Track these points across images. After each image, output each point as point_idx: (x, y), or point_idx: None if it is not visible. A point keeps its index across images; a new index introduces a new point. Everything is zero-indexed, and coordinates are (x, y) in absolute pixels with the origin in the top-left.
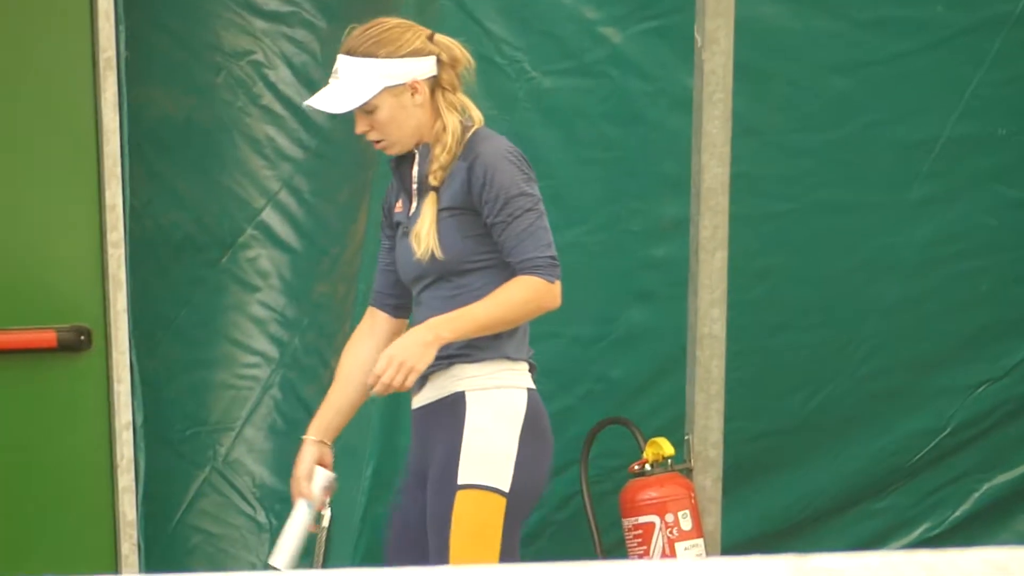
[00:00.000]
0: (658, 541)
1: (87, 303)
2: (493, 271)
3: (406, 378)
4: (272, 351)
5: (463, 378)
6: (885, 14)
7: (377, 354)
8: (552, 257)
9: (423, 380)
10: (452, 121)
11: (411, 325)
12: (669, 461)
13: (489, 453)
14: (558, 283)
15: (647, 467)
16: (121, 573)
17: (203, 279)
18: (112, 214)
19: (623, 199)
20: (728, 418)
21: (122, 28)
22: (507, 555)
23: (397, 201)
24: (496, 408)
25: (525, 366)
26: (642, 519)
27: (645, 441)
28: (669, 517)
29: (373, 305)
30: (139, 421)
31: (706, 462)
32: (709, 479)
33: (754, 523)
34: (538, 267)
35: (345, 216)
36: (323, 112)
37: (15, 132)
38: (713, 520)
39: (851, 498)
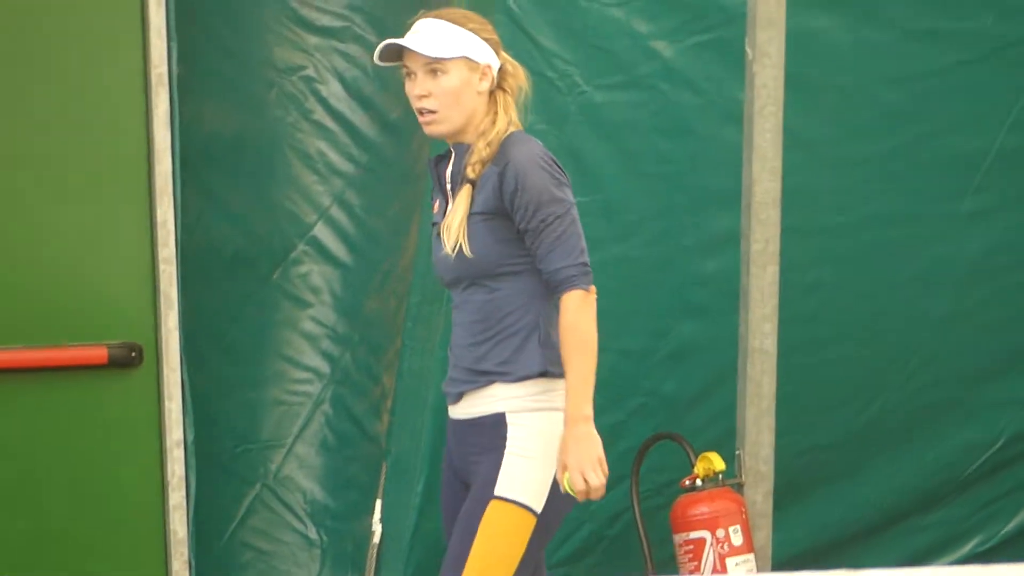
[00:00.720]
0: (709, 556)
1: (138, 320)
2: (526, 276)
3: (602, 469)
4: (323, 367)
5: (504, 399)
6: (936, 26)
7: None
8: (584, 264)
9: (459, 395)
10: (503, 120)
11: (453, 327)
12: (720, 476)
13: (528, 475)
14: (593, 288)
15: (698, 482)
16: None
17: (254, 295)
18: (163, 230)
19: (674, 213)
20: (779, 433)
21: (174, 44)
22: (523, 570)
23: (435, 202)
24: (536, 432)
25: (562, 383)
26: (693, 534)
27: (696, 456)
28: (720, 532)
29: None
30: (190, 438)
31: (757, 477)
32: (760, 494)
33: (805, 538)
34: (573, 279)
35: (396, 231)
36: (375, 126)
37: (67, 148)
38: (764, 535)
39: (902, 512)
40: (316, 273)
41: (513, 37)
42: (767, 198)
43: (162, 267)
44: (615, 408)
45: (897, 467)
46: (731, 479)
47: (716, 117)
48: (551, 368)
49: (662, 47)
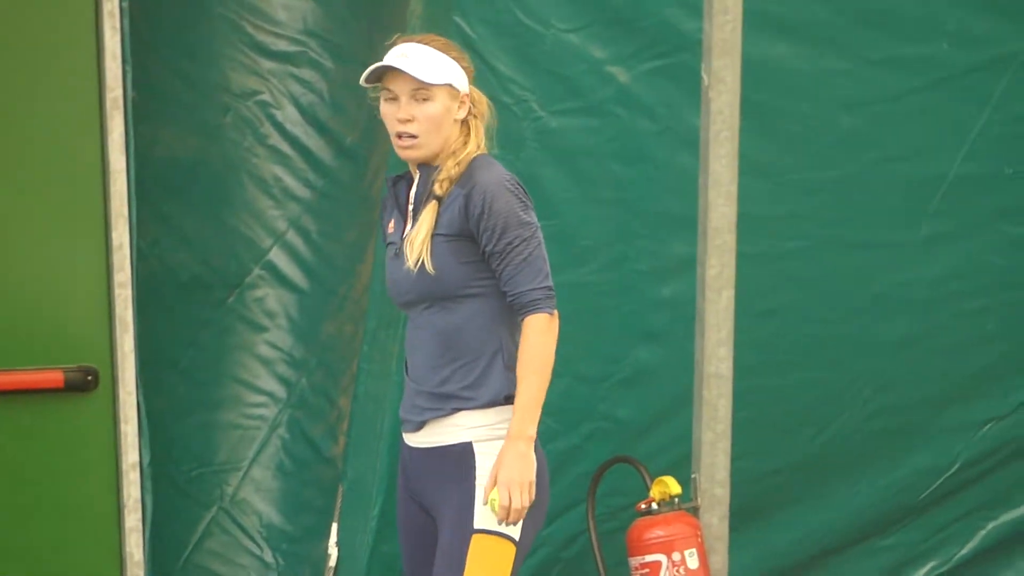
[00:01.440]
0: None
1: (94, 343)
2: (489, 299)
3: (529, 493)
4: (280, 391)
5: (470, 427)
6: (892, 53)
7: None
8: (549, 287)
9: (421, 423)
10: (475, 143)
11: (409, 351)
12: (676, 500)
13: None
14: (557, 312)
15: (654, 506)
16: None
17: (210, 319)
18: (119, 254)
19: (630, 238)
20: (735, 456)
21: (128, 68)
22: None
23: (390, 221)
24: None
25: None
26: (649, 558)
27: (652, 480)
28: (676, 556)
29: None
30: (146, 461)
31: (712, 500)
32: (716, 517)
33: (761, 561)
34: (538, 302)
35: (352, 256)
36: (330, 151)
37: (22, 172)
38: (720, 558)
39: (858, 535)
40: (272, 297)
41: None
42: (723, 223)
43: (118, 291)
44: (571, 432)
45: (853, 491)
46: (687, 503)
47: (672, 143)
48: (512, 390)
49: (618, 72)
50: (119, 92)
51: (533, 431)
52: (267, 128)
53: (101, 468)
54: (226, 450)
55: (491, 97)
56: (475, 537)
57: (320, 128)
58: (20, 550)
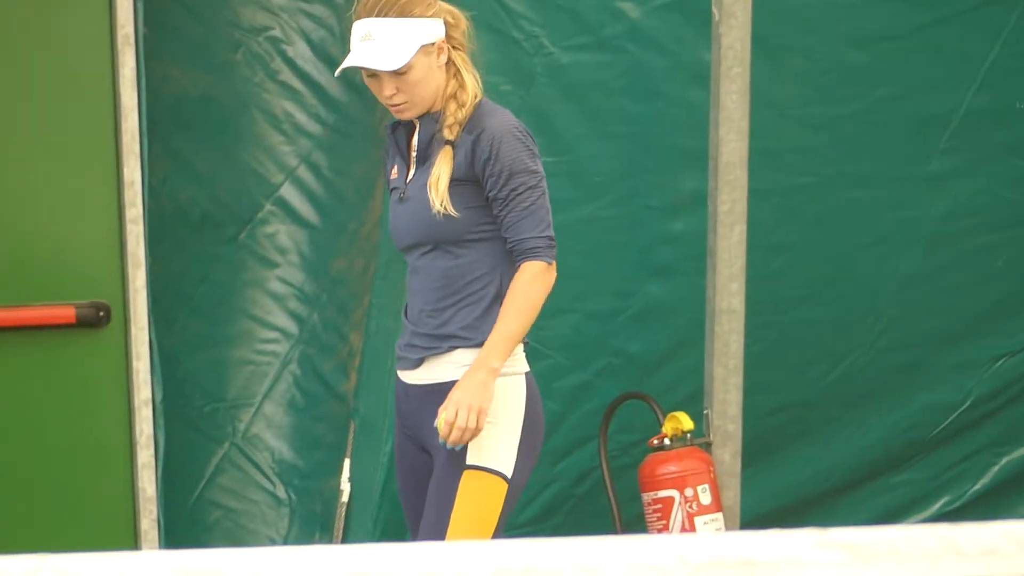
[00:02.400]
0: (677, 515)
1: (106, 279)
2: (491, 243)
3: (477, 419)
4: (291, 327)
5: (466, 365)
6: None
7: None
8: (551, 237)
9: (419, 360)
10: (471, 79)
11: (409, 292)
12: (688, 435)
13: (497, 441)
14: (554, 264)
15: (666, 441)
16: (141, 549)
17: (221, 255)
18: (130, 191)
19: (641, 174)
20: (746, 392)
21: (140, 4)
22: (497, 535)
23: (392, 167)
24: (500, 397)
25: (520, 347)
26: (661, 493)
27: (664, 415)
28: (688, 491)
29: None
30: (158, 397)
31: (725, 436)
32: (728, 453)
33: (773, 497)
34: (537, 249)
35: (363, 191)
36: (341, 86)
37: (33, 110)
38: (732, 494)
39: (870, 472)
40: (283, 233)
41: None
42: (734, 158)
43: (129, 227)
44: (582, 368)
45: (865, 427)
46: (699, 438)
47: (683, 78)
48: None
49: (629, 8)
50: (130, 29)
51: (498, 364)
52: (278, 64)
53: (113, 404)
54: (238, 386)
55: (501, 32)
56: (467, 473)
57: (331, 63)
58: (32, 487)
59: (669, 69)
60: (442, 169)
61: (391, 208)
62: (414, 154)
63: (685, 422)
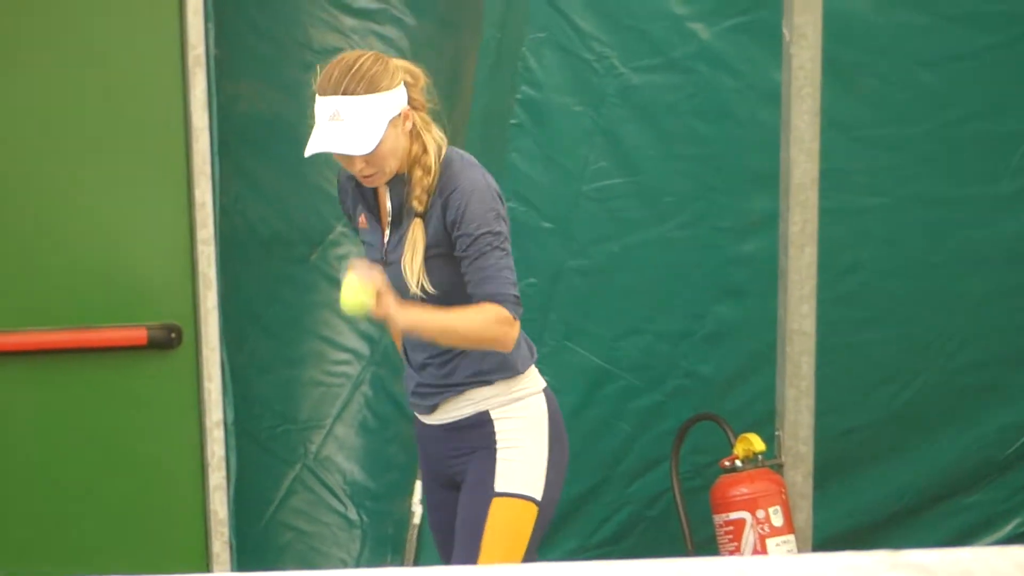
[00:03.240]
0: (749, 537)
1: (177, 301)
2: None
3: (375, 309)
4: (362, 348)
5: (481, 400)
6: (973, 8)
7: None
8: (516, 296)
9: (433, 406)
10: (431, 139)
11: (405, 353)
12: (760, 457)
13: (523, 465)
14: (518, 323)
15: (737, 463)
16: (213, 571)
17: (292, 276)
18: (202, 211)
19: (711, 195)
20: (818, 413)
21: (211, 25)
22: (529, 558)
23: (360, 216)
24: (522, 420)
25: (532, 369)
26: (733, 515)
27: (735, 437)
28: (760, 513)
29: None
30: (230, 419)
31: (796, 458)
32: (800, 475)
33: (845, 518)
34: (505, 301)
35: None
36: None
37: (105, 130)
38: (804, 516)
39: (942, 493)
40: (355, 254)
41: (550, 19)
42: (805, 179)
43: (201, 248)
44: (653, 390)
45: (936, 448)
46: (771, 460)
47: (753, 99)
48: (521, 368)
49: (699, 29)
50: (201, 49)
51: (408, 324)
52: None
53: (185, 426)
54: (309, 407)
55: (572, 53)
56: (496, 500)
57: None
58: (104, 508)
59: (740, 90)
60: (415, 249)
61: (367, 254)
62: (388, 218)
63: (756, 443)
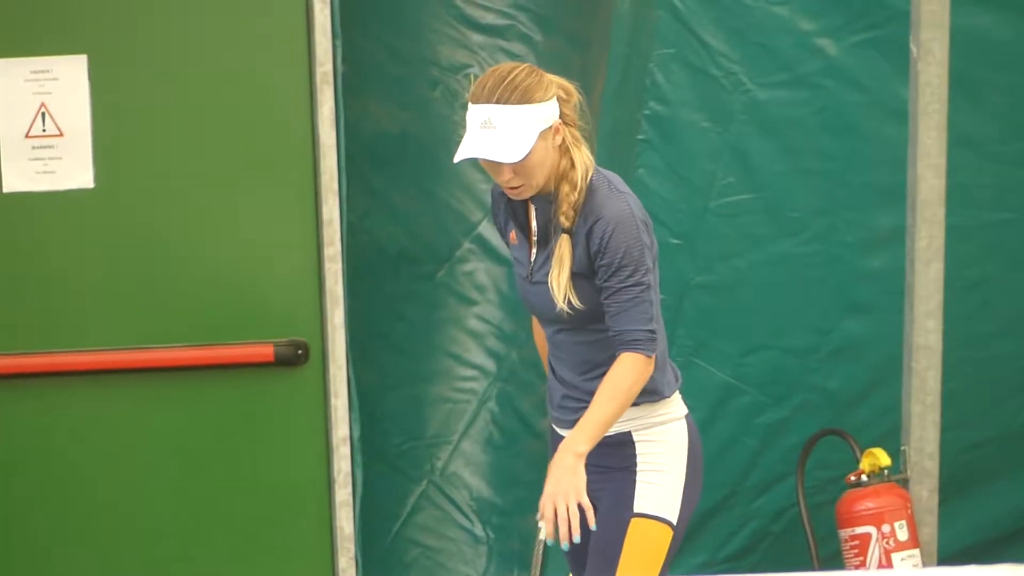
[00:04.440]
0: (875, 552)
1: (304, 317)
2: None
3: (575, 505)
4: (489, 365)
5: (626, 419)
6: None
7: None
8: (652, 332)
9: (576, 421)
10: (580, 156)
11: (551, 366)
12: (885, 472)
13: (661, 488)
14: (653, 357)
15: (863, 478)
16: None
17: (419, 293)
18: (329, 228)
19: (838, 210)
20: (944, 428)
21: (339, 43)
22: None
23: (511, 231)
24: (663, 444)
25: (676, 395)
26: (859, 530)
27: (861, 452)
28: (886, 528)
29: None
30: (356, 435)
31: (922, 472)
32: (925, 489)
33: (970, 533)
34: (637, 341)
35: None
36: None
37: (234, 147)
38: (930, 530)
39: None
40: (482, 271)
41: (677, 35)
42: (932, 195)
43: (328, 265)
44: (779, 405)
45: None
46: (896, 475)
47: (880, 114)
48: (667, 392)
49: (826, 45)
50: (329, 67)
51: (585, 449)
52: None
53: (311, 442)
54: (436, 424)
55: (699, 69)
56: (633, 521)
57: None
58: (231, 524)
59: (866, 106)
60: (562, 265)
61: (518, 280)
62: (534, 237)
63: (882, 458)
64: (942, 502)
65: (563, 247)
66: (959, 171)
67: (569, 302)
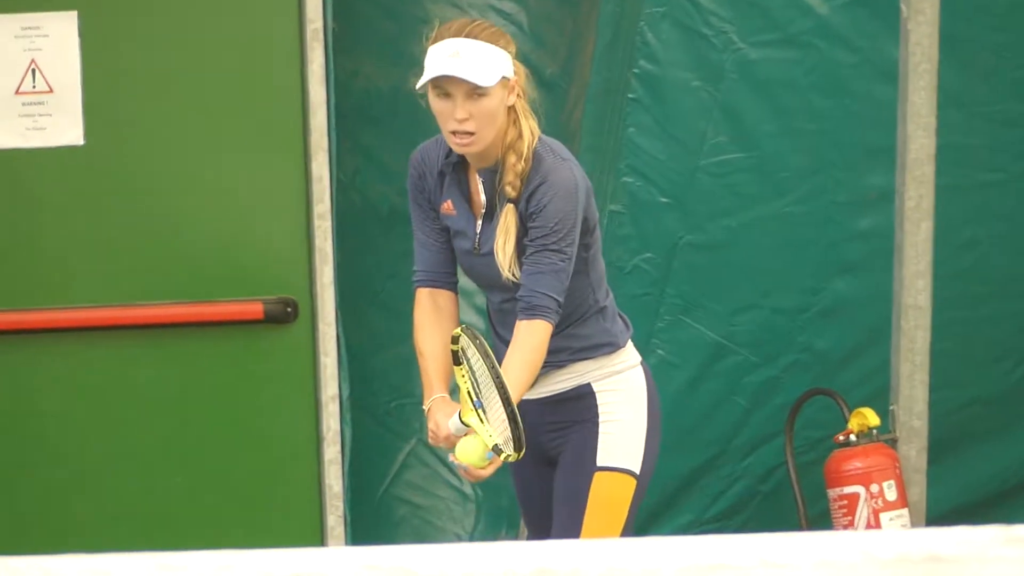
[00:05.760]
0: (863, 511)
1: (294, 275)
2: (579, 277)
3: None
4: (479, 322)
5: (584, 373)
6: None
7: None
8: (559, 303)
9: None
10: (528, 127)
11: (496, 334)
12: (874, 432)
13: (623, 439)
14: (552, 327)
15: (852, 438)
16: (328, 545)
17: (409, 251)
18: (319, 186)
19: (828, 170)
20: (932, 388)
21: (329, 0)
22: (627, 531)
23: (445, 201)
24: (623, 394)
25: (629, 339)
26: (847, 489)
27: (850, 412)
28: (874, 487)
29: (433, 286)
30: (345, 393)
31: (911, 432)
32: (914, 449)
33: (959, 493)
34: (547, 309)
35: None
36: (530, 83)
37: (222, 104)
38: (918, 491)
39: None
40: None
41: None
42: (921, 155)
43: (317, 223)
44: (769, 364)
45: None
46: (885, 434)
47: (871, 74)
48: (620, 341)
49: (817, 4)
50: (319, 24)
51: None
52: None
53: (300, 400)
54: None
55: (691, 29)
56: (597, 475)
57: (520, 59)
58: (220, 482)
59: (857, 65)
60: (508, 235)
61: (460, 252)
62: (481, 209)
63: (871, 418)
64: (931, 463)
65: (508, 217)
66: (949, 131)
67: (514, 272)
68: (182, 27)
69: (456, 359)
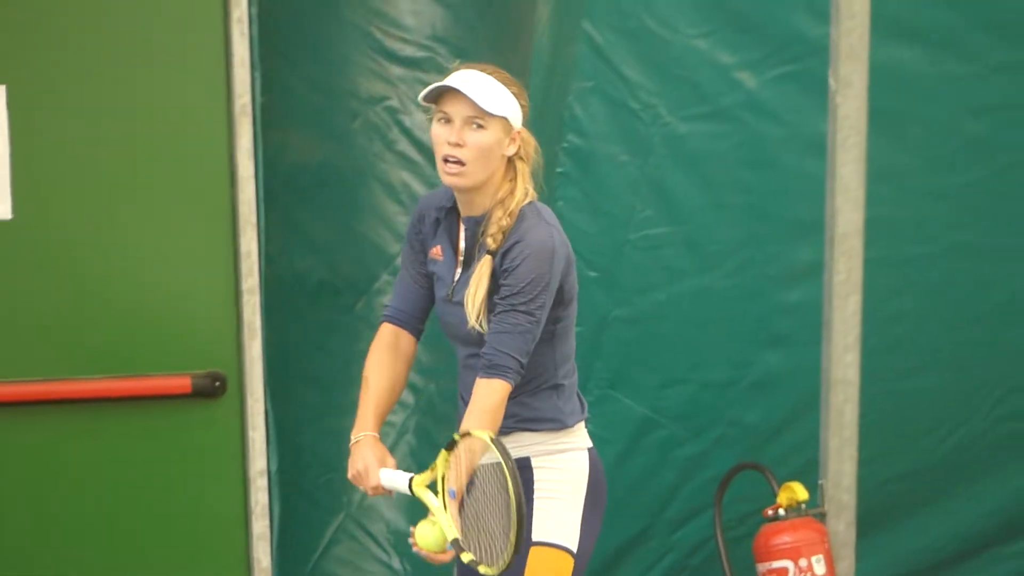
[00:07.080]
0: None
1: (222, 349)
2: (544, 343)
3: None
4: (407, 397)
5: (527, 444)
6: (1017, 58)
7: (404, 374)
8: (522, 365)
9: None
10: (522, 190)
11: (460, 385)
12: (803, 506)
13: (558, 515)
14: (511, 387)
15: (780, 512)
16: None
17: (338, 325)
18: (247, 261)
19: (757, 243)
20: (862, 462)
21: (257, 74)
22: None
23: (435, 246)
24: (562, 473)
25: (580, 425)
26: (776, 564)
27: (779, 486)
28: (803, 562)
29: (400, 325)
30: (273, 468)
31: (839, 507)
32: (842, 523)
33: (887, 567)
34: (508, 369)
35: None
36: None
37: (150, 178)
38: (847, 564)
39: (985, 541)
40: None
41: (596, 68)
42: (850, 228)
43: (246, 297)
44: (698, 438)
45: (979, 496)
46: (814, 508)
47: (799, 148)
48: (569, 421)
49: (746, 78)
50: (247, 99)
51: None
52: (395, 134)
53: (229, 474)
54: None
55: (619, 102)
56: (534, 550)
57: None
58: (148, 556)
59: (786, 139)
60: (480, 282)
61: (438, 298)
62: (461, 258)
63: (800, 492)
64: (861, 535)
65: (483, 268)
66: (878, 204)
67: (482, 323)
68: (111, 102)
69: (451, 446)
